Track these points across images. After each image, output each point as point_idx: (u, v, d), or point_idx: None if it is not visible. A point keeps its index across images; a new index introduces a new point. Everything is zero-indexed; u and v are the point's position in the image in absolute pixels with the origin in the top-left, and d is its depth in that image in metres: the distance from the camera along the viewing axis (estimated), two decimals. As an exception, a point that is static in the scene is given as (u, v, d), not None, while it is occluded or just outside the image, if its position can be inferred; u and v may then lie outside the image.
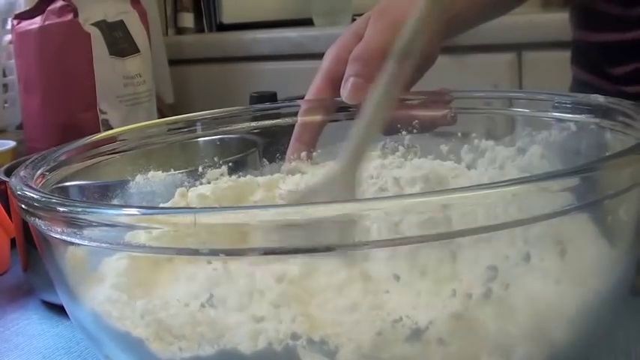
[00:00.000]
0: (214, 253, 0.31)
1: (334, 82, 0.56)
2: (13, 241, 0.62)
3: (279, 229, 0.29)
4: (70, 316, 0.39)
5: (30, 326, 0.52)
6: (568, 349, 0.33)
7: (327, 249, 0.30)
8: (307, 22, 1.61)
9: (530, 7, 1.46)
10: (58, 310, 0.53)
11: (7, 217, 0.61)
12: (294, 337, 0.31)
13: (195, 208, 0.44)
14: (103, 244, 0.32)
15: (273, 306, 0.33)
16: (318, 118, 0.56)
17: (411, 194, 0.29)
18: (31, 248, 0.55)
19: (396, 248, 0.32)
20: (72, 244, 0.34)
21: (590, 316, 0.34)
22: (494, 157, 0.51)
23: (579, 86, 0.79)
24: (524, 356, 0.31)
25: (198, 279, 0.35)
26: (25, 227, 0.55)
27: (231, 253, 0.31)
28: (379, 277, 0.34)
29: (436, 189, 0.44)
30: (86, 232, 0.32)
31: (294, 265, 0.34)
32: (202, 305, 0.32)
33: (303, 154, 0.54)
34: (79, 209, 0.32)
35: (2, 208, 0.62)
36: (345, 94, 0.54)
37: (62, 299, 0.39)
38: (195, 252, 0.30)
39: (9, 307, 0.56)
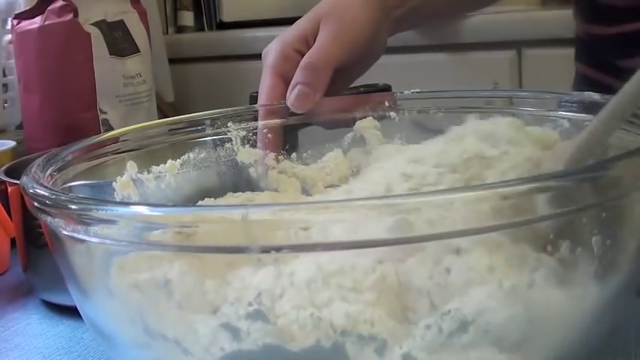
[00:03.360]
0: (265, 250, 0.30)
1: (285, 78, 0.56)
2: (13, 241, 0.62)
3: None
4: (82, 316, 0.39)
5: (30, 326, 0.52)
6: (576, 345, 0.34)
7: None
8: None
9: (530, 5, 1.46)
10: (58, 310, 0.54)
11: (7, 217, 0.61)
12: (344, 333, 0.31)
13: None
14: (122, 242, 0.32)
15: (323, 303, 0.32)
16: (279, 121, 0.56)
17: (446, 190, 0.29)
18: (31, 248, 0.55)
19: (443, 241, 0.33)
20: (85, 241, 0.34)
21: (600, 313, 0.34)
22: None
23: (583, 82, 0.78)
24: (548, 349, 0.32)
25: (244, 276, 0.34)
26: (25, 227, 0.55)
27: (282, 249, 0.30)
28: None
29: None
30: (100, 229, 0.32)
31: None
32: (250, 304, 0.32)
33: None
34: (95, 207, 0.32)
35: (2, 208, 0.62)
36: (291, 101, 0.54)
37: (74, 298, 0.39)
38: (244, 249, 0.30)
39: (9, 307, 0.56)
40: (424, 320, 0.31)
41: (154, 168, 0.51)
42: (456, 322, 0.30)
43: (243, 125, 0.55)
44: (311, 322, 0.31)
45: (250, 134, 0.56)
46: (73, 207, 0.33)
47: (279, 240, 0.29)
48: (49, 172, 0.42)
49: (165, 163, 0.52)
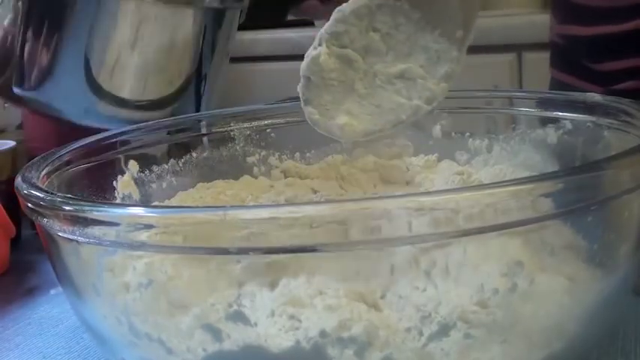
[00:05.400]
0: (244, 251, 0.30)
1: None
2: (12, 241, 0.62)
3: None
4: (77, 317, 0.39)
5: (30, 326, 0.52)
6: (575, 345, 0.34)
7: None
8: (307, 23, 1.61)
9: (530, 8, 1.46)
10: (58, 309, 0.53)
11: (7, 218, 0.61)
12: (323, 334, 0.30)
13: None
14: (115, 244, 0.32)
15: (301, 304, 0.32)
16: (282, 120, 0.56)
17: (442, 190, 0.29)
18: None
19: (427, 243, 0.32)
20: (78, 242, 0.34)
21: (597, 314, 0.34)
22: (488, 157, 0.51)
23: (558, 88, 0.77)
24: (537, 351, 0.32)
25: (223, 278, 0.34)
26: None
27: (262, 251, 0.30)
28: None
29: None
30: (94, 230, 0.32)
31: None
32: (230, 305, 0.32)
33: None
34: (88, 208, 0.32)
35: (2, 208, 0.62)
36: None
37: (69, 299, 0.39)
38: (223, 251, 0.30)
39: (9, 307, 0.56)
40: (405, 323, 0.31)
41: (156, 167, 0.51)
42: (436, 325, 0.30)
43: (246, 125, 0.56)
44: (289, 323, 0.31)
45: (254, 133, 0.56)
46: (67, 208, 0.33)
47: (259, 241, 0.29)
48: (44, 172, 0.41)
49: (166, 162, 0.52)
